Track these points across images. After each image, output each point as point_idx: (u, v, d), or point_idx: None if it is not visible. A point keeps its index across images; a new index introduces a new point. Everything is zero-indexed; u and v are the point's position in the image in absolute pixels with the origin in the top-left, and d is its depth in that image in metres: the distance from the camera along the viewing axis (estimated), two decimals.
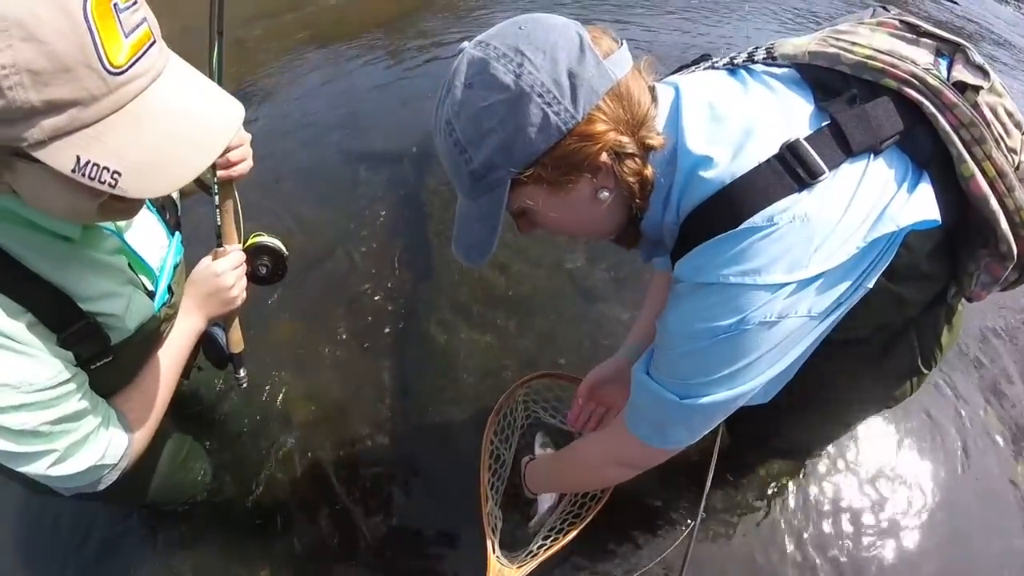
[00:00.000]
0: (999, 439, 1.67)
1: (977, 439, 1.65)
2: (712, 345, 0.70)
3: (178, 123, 0.59)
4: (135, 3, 0.56)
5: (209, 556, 1.44)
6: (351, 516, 1.49)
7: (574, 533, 1.21)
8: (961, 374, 1.79)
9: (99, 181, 0.55)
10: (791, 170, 0.64)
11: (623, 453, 0.95)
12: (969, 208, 0.71)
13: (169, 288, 0.94)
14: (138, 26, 0.56)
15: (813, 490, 1.53)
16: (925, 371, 0.95)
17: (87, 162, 0.54)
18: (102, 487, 0.85)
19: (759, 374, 0.72)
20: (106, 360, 0.79)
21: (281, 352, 1.79)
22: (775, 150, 0.66)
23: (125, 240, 0.84)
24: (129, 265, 0.84)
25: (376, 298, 1.93)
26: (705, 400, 0.74)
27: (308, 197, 2.27)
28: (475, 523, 1.22)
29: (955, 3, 4.28)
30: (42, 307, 0.69)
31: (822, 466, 1.57)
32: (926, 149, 0.69)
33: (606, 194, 0.71)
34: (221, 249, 1.05)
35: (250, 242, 1.13)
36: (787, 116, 0.70)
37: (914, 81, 0.68)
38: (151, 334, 0.89)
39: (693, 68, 0.87)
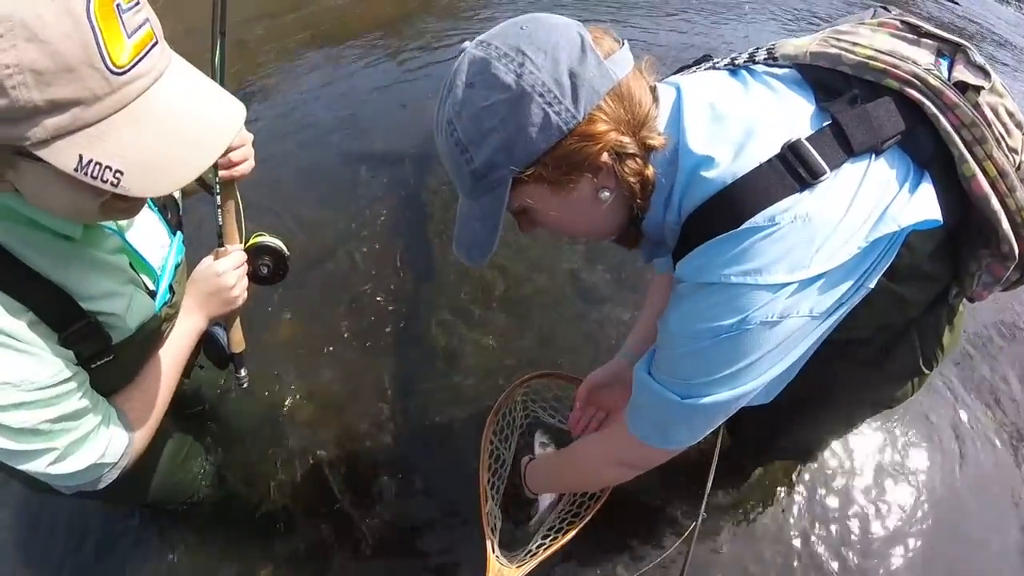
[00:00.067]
0: (999, 440, 1.67)
1: (977, 440, 1.65)
2: (714, 345, 0.70)
3: (180, 123, 0.59)
4: (137, 4, 0.56)
5: (209, 556, 1.44)
6: (351, 516, 1.49)
7: (573, 533, 1.21)
8: (961, 375, 1.80)
9: (101, 180, 0.55)
10: (792, 170, 0.64)
11: (624, 453, 0.95)
12: (970, 208, 0.71)
13: (170, 287, 0.94)
14: (140, 27, 0.56)
15: (814, 490, 1.53)
16: (926, 371, 0.95)
17: (89, 161, 0.54)
18: (102, 486, 0.85)
19: (761, 374, 0.72)
20: (107, 359, 0.79)
21: (282, 352, 1.79)
22: (776, 150, 0.66)
23: (126, 239, 0.85)
24: (130, 264, 0.84)
25: (377, 298, 1.93)
26: (706, 400, 0.74)
27: (309, 197, 2.27)
28: (475, 523, 1.22)
29: (956, 3, 4.28)
30: (43, 306, 0.69)
31: (823, 466, 1.57)
32: (927, 149, 0.69)
33: (607, 194, 0.71)
34: (223, 249, 1.05)
35: (251, 242, 1.13)
36: (788, 116, 0.70)
37: (915, 81, 0.68)
38: (152, 333, 0.90)
39: (694, 68, 0.87)
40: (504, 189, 0.67)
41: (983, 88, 0.69)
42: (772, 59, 0.78)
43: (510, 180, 0.67)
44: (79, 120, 0.53)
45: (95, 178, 0.54)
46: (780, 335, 0.68)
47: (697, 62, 0.88)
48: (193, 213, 1.13)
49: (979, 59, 0.72)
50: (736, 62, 0.81)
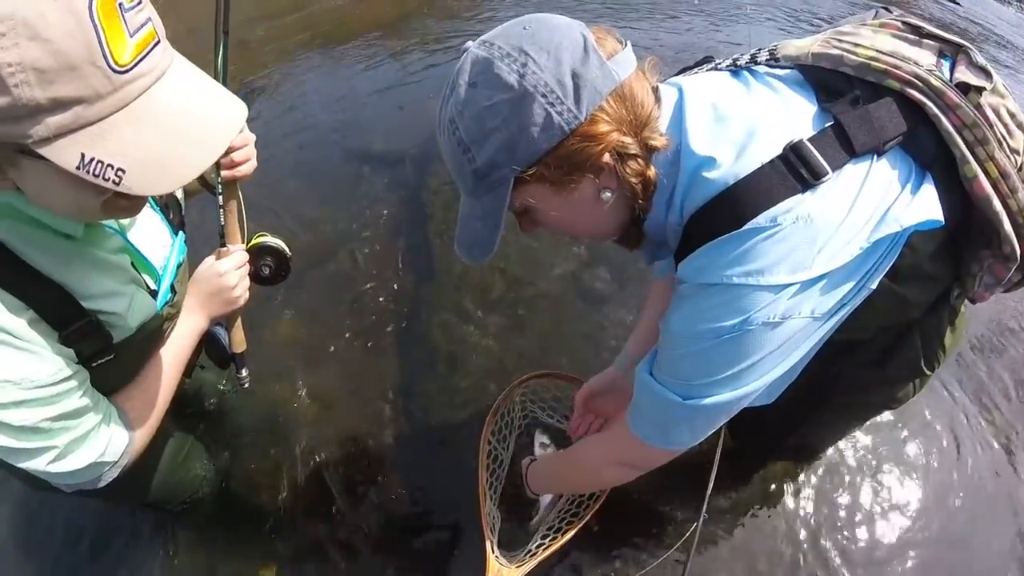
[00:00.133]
0: (1000, 441, 1.67)
1: (978, 441, 1.65)
2: (715, 346, 0.69)
3: (181, 122, 0.60)
4: (140, 3, 0.56)
5: (209, 555, 1.44)
6: (351, 516, 1.49)
7: (572, 533, 1.21)
8: (962, 376, 1.79)
9: (103, 178, 0.55)
10: (794, 171, 0.64)
11: (625, 453, 0.95)
12: (972, 209, 0.71)
13: (172, 287, 0.94)
14: (143, 26, 0.56)
15: (815, 491, 1.53)
16: (928, 372, 0.95)
17: (91, 159, 0.54)
18: (102, 484, 0.85)
19: (762, 375, 0.72)
20: (108, 358, 0.79)
21: (283, 352, 1.79)
22: (778, 151, 0.66)
23: (128, 239, 0.85)
24: (132, 264, 0.84)
25: (378, 298, 1.93)
26: (708, 401, 0.74)
27: (310, 198, 2.27)
28: (474, 523, 1.22)
29: (957, 4, 4.28)
30: (44, 304, 0.69)
31: (824, 467, 1.56)
32: (929, 150, 0.69)
33: (608, 194, 0.71)
34: (224, 249, 1.05)
35: (253, 242, 1.13)
36: (790, 117, 0.70)
37: (917, 82, 0.68)
38: (153, 333, 0.90)
39: (696, 69, 0.87)
40: (506, 189, 0.68)
41: (985, 89, 0.69)
42: (774, 60, 0.78)
43: (512, 180, 0.67)
44: (81, 118, 0.53)
45: (97, 176, 0.55)
46: (782, 336, 0.68)
47: (699, 63, 0.88)
48: (195, 213, 1.13)
49: (981, 60, 0.72)
50: (738, 63, 0.81)
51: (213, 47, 1.00)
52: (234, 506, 1.50)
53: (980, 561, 1.45)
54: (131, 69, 0.54)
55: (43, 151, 0.53)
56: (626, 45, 0.69)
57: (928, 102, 0.68)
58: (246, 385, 1.21)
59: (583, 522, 1.24)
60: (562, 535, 1.21)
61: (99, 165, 0.54)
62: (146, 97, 0.57)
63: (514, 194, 0.69)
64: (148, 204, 0.91)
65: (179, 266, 0.97)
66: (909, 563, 1.43)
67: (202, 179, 1.05)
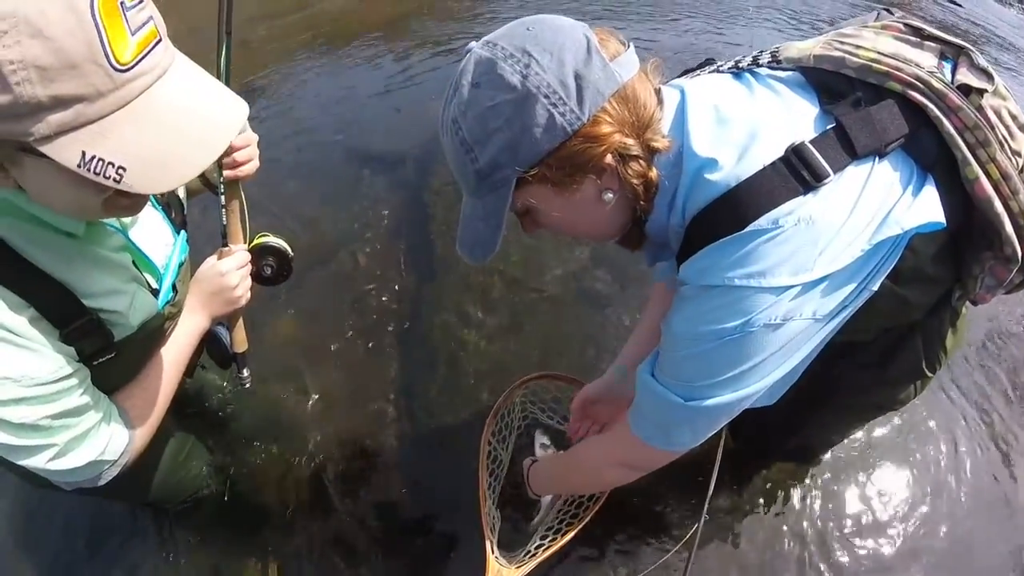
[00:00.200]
0: (1000, 442, 1.66)
1: (978, 442, 1.65)
2: (717, 347, 0.69)
3: (182, 120, 0.60)
4: (141, 1, 0.56)
5: (209, 555, 1.44)
6: (351, 516, 1.49)
7: (572, 533, 1.21)
8: (962, 377, 1.79)
9: (104, 176, 0.55)
10: (796, 173, 0.64)
11: (627, 454, 0.95)
12: (973, 211, 0.71)
13: (173, 286, 0.94)
14: (144, 24, 0.56)
15: (816, 493, 1.52)
16: (929, 374, 0.95)
17: (92, 157, 0.54)
18: (102, 483, 0.85)
19: (764, 376, 0.72)
20: (109, 356, 0.79)
21: (284, 352, 1.79)
22: (780, 153, 0.66)
23: (129, 237, 0.85)
24: (133, 262, 0.84)
25: (379, 299, 1.94)
26: (710, 402, 0.74)
27: (312, 198, 2.28)
28: (474, 523, 1.22)
29: (959, 6, 4.28)
30: (45, 302, 0.69)
31: (825, 469, 1.56)
32: (931, 152, 0.69)
33: (610, 195, 0.71)
34: (226, 248, 1.05)
35: (255, 242, 1.13)
36: (792, 119, 0.70)
37: (919, 84, 0.68)
38: (154, 332, 0.90)
39: (698, 71, 0.87)
40: (508, 189, 0.68)
41: (986, 91, 0.69)
42: (776, 62, 0.78)
43: (514, 180, 0.67)
44: (82, 116, 0.53)
45: (98, 174, 0.55)
46: (783, 337, 0.68)
47: (701, 65, 0.88)
48: (197, 212, 1.13)
49: (982, 62, 0.72)
50: (740, 65, 0.81)
51: (215, 46, 1.00)
52: (234, 506, 1.50)
53: (980, 561, 1.45)
54: (132, 67, 0.54)
55: (44, 149, 0.53)
56: (629, 47, 0.69)
57: (930, 104, 0.68)
58: (247, 385, 1.21)
59: (583, 523, 1.24)
60: (562, 536, 1.21)
61: (100, 163, 0.54)
62: (147, 95, 0.57)
63: (516, 194, 0.69)
64: (150, 203, 0.91)
65: (181, 265, 0.97)
66: (909, 563, 1.42)
67: (204, 178, 1.05)
